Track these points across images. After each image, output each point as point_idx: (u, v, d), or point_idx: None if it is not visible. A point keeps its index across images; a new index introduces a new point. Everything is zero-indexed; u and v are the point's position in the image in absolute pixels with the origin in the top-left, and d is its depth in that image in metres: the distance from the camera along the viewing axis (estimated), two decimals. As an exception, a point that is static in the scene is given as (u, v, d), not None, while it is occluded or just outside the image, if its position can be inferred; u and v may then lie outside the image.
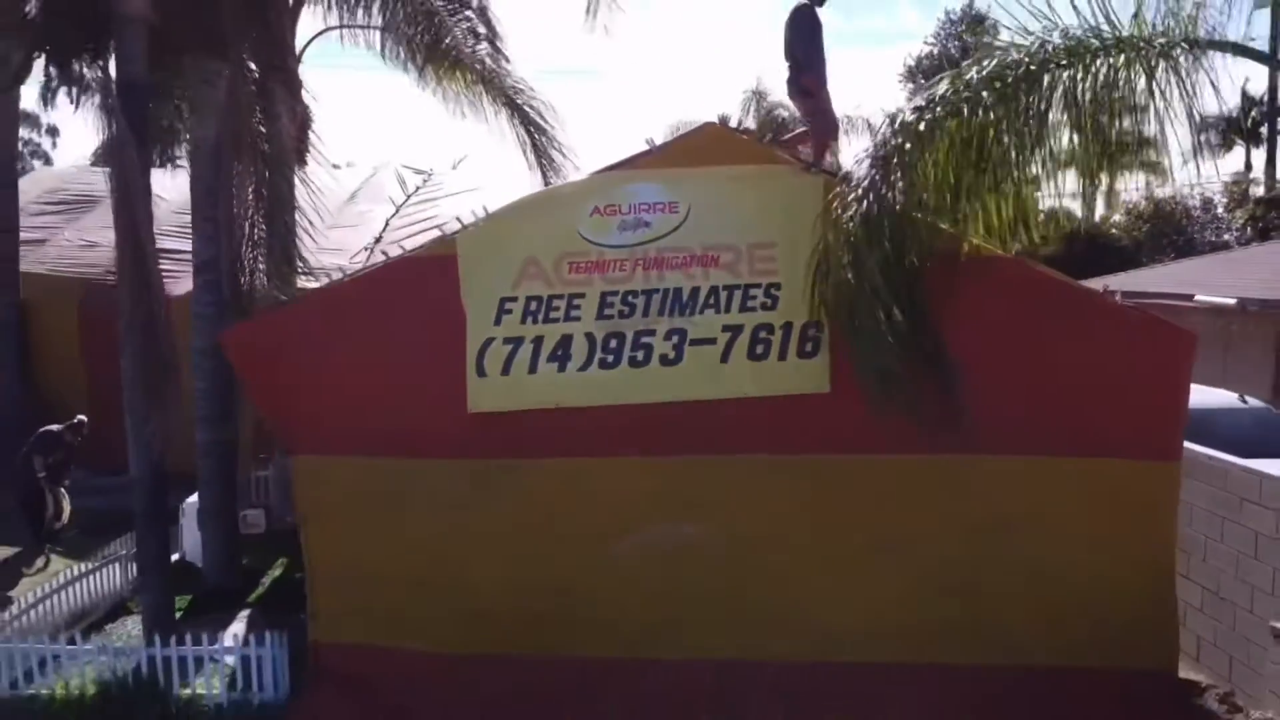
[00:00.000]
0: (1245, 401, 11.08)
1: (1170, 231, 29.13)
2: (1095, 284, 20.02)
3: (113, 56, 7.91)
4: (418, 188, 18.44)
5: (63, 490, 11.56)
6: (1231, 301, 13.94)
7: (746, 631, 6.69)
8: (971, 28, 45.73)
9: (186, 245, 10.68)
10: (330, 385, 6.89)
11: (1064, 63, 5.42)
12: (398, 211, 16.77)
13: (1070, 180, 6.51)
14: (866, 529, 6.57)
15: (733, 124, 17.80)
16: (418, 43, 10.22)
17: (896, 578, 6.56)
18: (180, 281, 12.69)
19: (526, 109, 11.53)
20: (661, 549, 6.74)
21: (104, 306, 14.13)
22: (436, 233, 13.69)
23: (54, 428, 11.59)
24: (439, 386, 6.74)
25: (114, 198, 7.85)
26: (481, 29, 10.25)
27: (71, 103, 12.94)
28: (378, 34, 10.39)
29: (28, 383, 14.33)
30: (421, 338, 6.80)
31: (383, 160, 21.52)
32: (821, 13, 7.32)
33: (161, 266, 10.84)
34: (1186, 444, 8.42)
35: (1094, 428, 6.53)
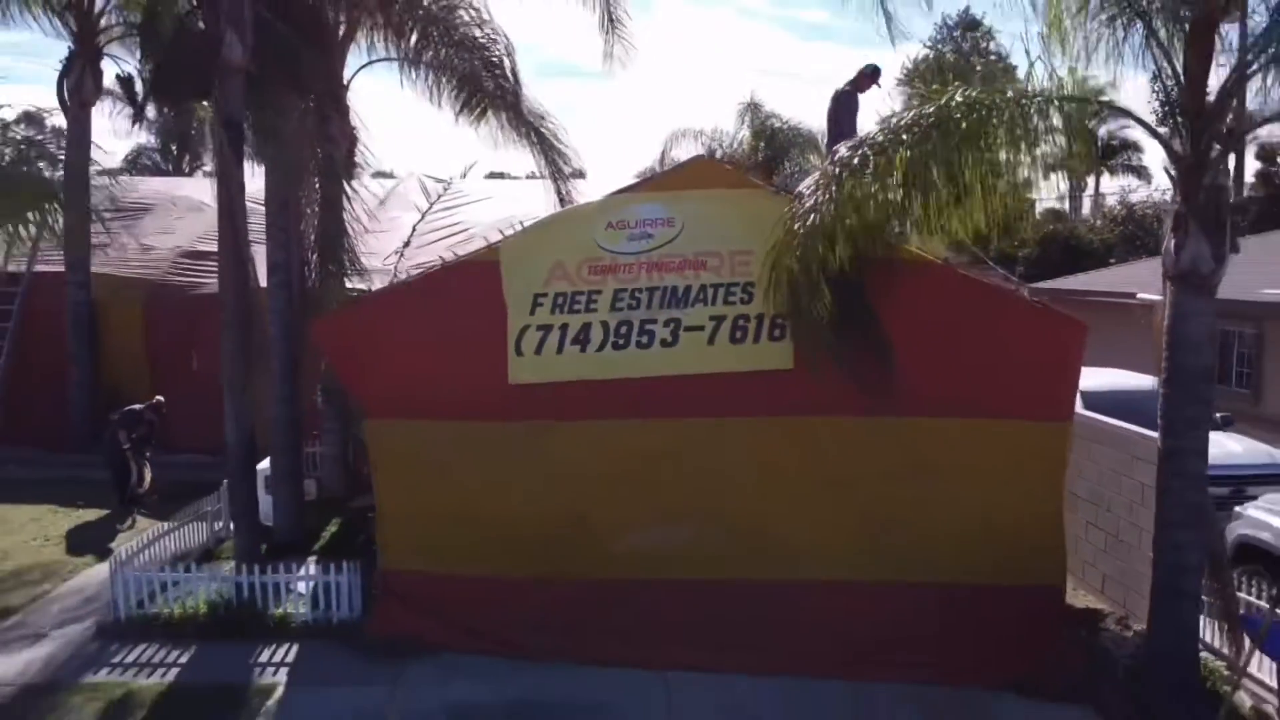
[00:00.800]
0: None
1: (1141, 235, 30.88)
2: (1066, 283, 21.86)
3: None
4: (439, 195, 20.26)
5: (146, 460, 13.34)
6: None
7: (728, 556, 8.45)
8: (965, 32, 47.63)
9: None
10: (398, 363, 8.65)
11: (963, 114, 7.16)
12: (423, 218, 18.55)
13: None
14: (821, 474, 8.32)
15: (729, 129, 19.94)
16: (457, 94, 12.19)
17: (844, 513, 8.32)
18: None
19: (543, 131, 13.26)
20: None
21: (165, 306, 15.98)
22: (463, 237, 15.46)
23: (136, 406, 13.36)
24: (485, 364, 8.49)
25: (219, 212, 9.58)
26: (509, 83, 12.12)
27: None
28: (422, 77, 12.21)
29: (97, 374, 16.05)
30: (471, 325, 8.55)
31: (406, 170, 23.21)
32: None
33: (214, 270, 12.88)
34: (1096, 415, 10.24)
35: (1002, 394, 8.27)
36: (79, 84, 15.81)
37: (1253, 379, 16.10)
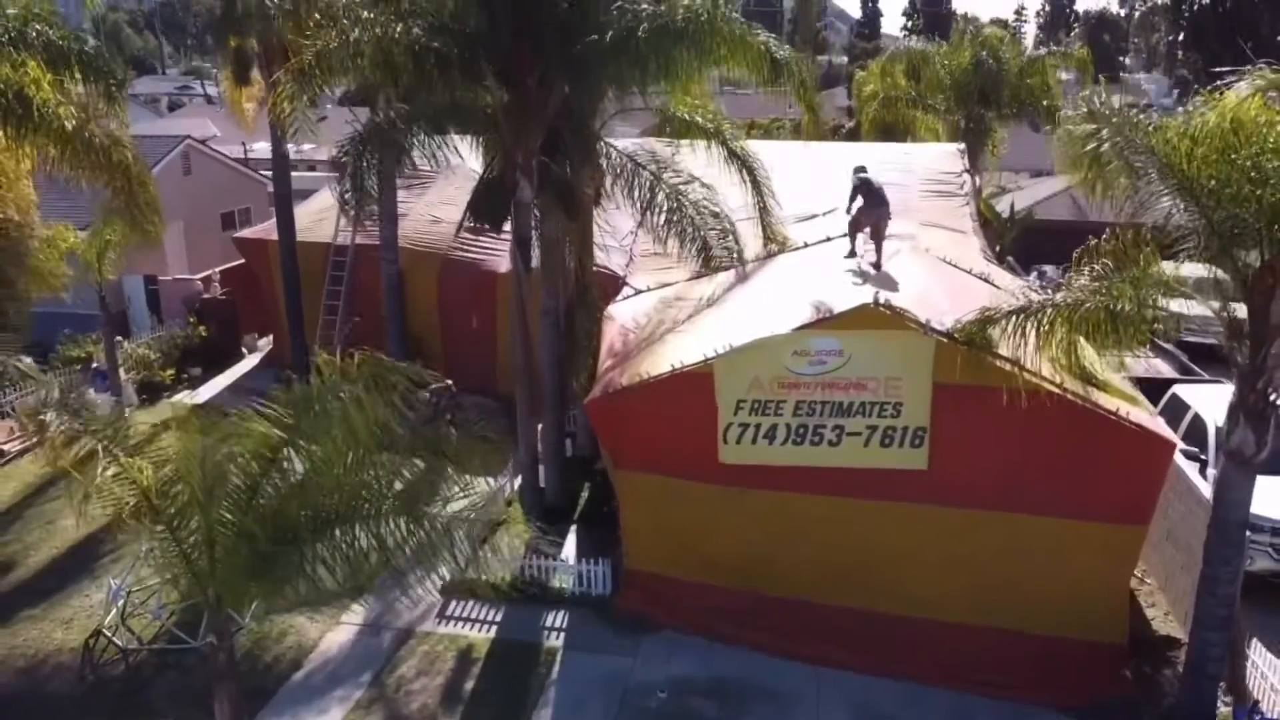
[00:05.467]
0: None
1: None
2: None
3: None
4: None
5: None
6: None
7: (873, 593, 11.67)
8: None
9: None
10: (642, 436, 12.12)
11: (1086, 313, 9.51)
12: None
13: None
14: (942, 547, 11.27)
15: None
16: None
17: (957, 574, 11.28)
18: (501, 261, 18.51)
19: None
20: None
21: (452, 275, 20.13)
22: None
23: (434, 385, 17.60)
24: (702, 443, 11.81)
25: (513, 301, 13.18)
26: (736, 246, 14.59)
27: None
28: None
29: (406, 327, 20.49)
30: (692, 416, 11.81)
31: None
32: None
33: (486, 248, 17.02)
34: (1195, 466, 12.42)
35: (1092, 500, 10.76)
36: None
37: None
